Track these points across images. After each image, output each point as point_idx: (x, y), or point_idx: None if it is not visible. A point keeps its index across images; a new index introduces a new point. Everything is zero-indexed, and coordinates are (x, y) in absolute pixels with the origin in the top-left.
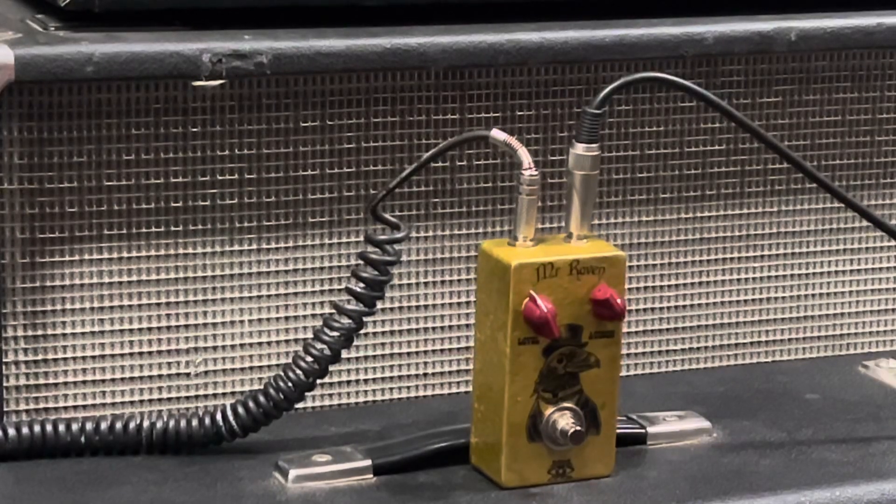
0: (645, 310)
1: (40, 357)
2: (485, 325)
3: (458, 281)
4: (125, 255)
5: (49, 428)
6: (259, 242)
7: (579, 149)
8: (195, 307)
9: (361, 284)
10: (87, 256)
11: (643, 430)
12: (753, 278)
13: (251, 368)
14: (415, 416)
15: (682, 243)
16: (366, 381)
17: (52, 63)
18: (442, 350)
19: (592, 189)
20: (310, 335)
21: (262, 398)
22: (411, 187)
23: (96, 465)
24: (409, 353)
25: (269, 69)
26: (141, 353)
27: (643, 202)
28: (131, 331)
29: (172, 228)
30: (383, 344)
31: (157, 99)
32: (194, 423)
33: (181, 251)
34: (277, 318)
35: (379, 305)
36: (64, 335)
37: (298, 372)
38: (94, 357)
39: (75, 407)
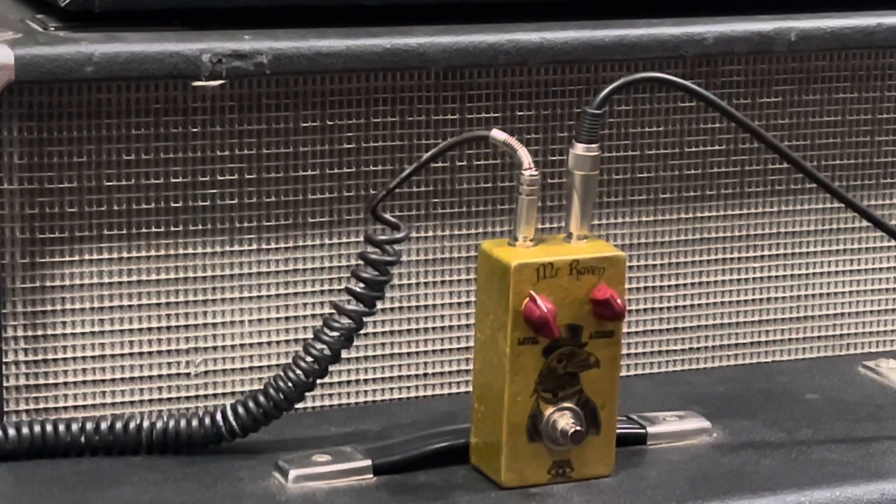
0: (645, 310)
1: (40, 357)
2: (485, 325)
3: (458, 281)
4: (125, 255)
5: (49, 428)
6: (259, 243)
7: (579, 149)
8: (195, 307)
9: (361, 284)
10: (87, 256)
11: (643, 430)
12: (753, 278)
13: (251, 368)
14: (415, 416)
15: (682, 243)
16: (366, 381)
17: (52, 63)
18: (442, 350)
19: (592, 189)
20: (310, 335)
21: (262, 398)
22: (411, 187)
23: (96, 465)
24: (409, 353)
25: (269, 69)
26: (141, 353)
27: (643, 202)
28: (131, 331)
29: (172, 228)
30: (383, 344)
31: (157, 99)
32: (194, 423)
33: (181, 251)
34: (277, 318)
35: (379, 305)
36: (64, 335)
37: (298, 372)
38: (94, 357)
39: (75, 407)
